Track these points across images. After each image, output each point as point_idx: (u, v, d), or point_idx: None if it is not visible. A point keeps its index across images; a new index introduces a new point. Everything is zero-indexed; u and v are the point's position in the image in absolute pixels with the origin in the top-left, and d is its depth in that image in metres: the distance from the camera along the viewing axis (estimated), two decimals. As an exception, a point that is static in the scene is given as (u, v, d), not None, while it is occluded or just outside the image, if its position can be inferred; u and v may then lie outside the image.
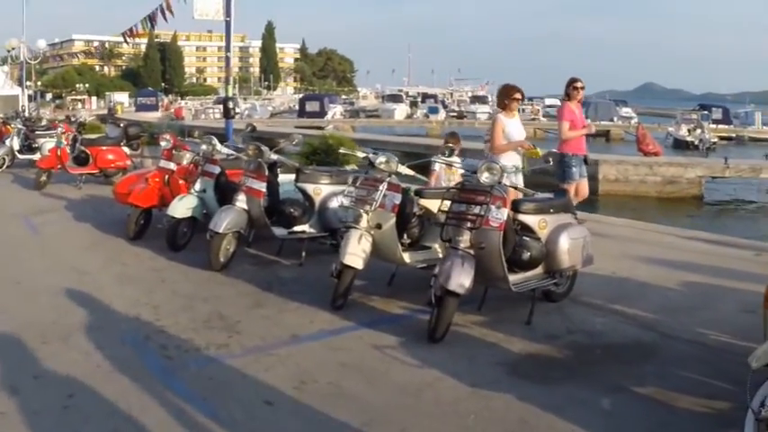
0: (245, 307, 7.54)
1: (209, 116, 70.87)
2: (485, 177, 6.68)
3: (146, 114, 70.63)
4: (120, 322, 6.95)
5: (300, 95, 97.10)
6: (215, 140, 9.98)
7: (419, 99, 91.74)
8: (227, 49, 16.29)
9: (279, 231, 9.11)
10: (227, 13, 15.98)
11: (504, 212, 6.64)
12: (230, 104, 15.93)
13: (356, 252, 7.25)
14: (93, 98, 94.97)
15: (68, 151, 16.36)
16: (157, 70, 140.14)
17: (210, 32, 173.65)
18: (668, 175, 27.79)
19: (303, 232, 9.33)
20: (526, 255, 7.09)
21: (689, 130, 55.27)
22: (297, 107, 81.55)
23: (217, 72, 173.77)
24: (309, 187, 9.37)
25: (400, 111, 76.32)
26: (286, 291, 8.15)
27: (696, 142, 52.87)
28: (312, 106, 70.01)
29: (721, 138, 60.24)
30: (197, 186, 9.77)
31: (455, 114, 79.96)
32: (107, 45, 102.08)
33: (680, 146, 52.74)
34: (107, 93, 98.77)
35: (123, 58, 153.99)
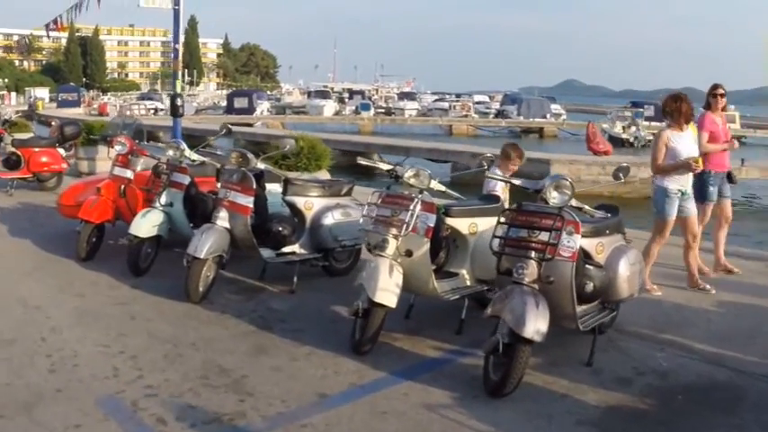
0: (247, 354, 6.13)
1: (134, 112, 68.33)
2: (554, 197, 5.58)
3: (67, 111, 67.93)
4: (93, 381, 5.46)
5: (228, 92, 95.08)
6: (183, 144, 8.53)
7: (345, 95, 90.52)
8: (176, 40, 14.71)
9: (266, 253, 7.74)
10: (176, 2, 14.39)
11: (578, 240, 5.56)
12: (179, 101, 14.32)
13: (388, 287, 5.98)
14: (13, 94, 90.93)
15: (-2, 153, 14.62)
16: (78, 65, 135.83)
17: (132, 26, 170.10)
18: (621, 174, 26.99)
19: (293, 253, 8.00)
20: (590, 286, 5.95)
21: (623, 128, 55.44)
22: (222, 103, 79.73)
23: (139, 67, 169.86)
24: (299, 201, 8.05)
25: (329, 107, 75.11)
26: (288, 329, 6.79)
27: (631, 140, 53.14)
28: (241, 102, 68.12)
29: (653, 135, 60.40)
30: (162, 199, 8.30)
31: (383, 111, 78.90)
32: (27, 39, 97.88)
33: (615, 143, 52.42)
34: (27, 88, 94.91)
35: (43, 52, 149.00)
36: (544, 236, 5.51)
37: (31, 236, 10.44)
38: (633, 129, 55.60)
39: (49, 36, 21.24)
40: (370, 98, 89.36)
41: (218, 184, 8.67)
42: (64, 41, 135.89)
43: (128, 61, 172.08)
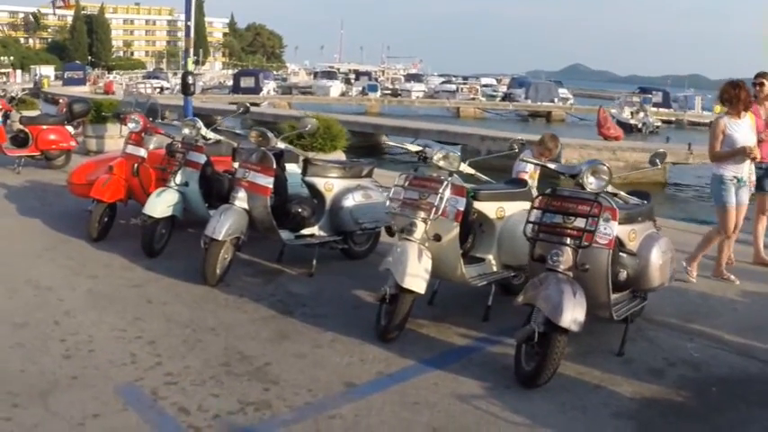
0: (269, 340, 5.91)
1: (140, 91, 67.98)
2: (591, 182, 5.33)
3: (73, 88, 67.48)
4: (111, 368, 5.24)
5: (234, 71, 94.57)
6: (199, 123, 8.27)
7: (351, 76, 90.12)
8: (188, 17, 14.44)
9: (285, 235, 7.50)
10: (187, -22, 14.12)
11: (614, 226, 5.35)
12: (189, 79, 14.06)
13: (417, 272, 5.76)
14: (18, 71, 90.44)
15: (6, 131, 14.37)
16: (84, 43, 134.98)
17: (138, 5, 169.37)
18: (632, 160, 26.97)
19: (312, 236, 7.77)
20: (623, 274, 5.76)
21: (632, 113, 55.12)
22: (228, 83, 79.36)
23: (144, 46, 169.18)
24: (319, 182, 7.82)
25: (335, 88, 74.80)
26: (310, 314, 6.56)
27: (639, 125, 52.76)
28: (247, 82, 67.74)
29: (662, 121, 60.27)
30: (178, 179, 8.07)
31: (389, 92, 78.48)
32: (33, 17, 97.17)
33: (623, 129, 52.37)
34: (32, 66, 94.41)
35: (49, 30, 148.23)
36: (580, 222, 5.30)
37: (40, 215, 10.22)
38: (641, 115, 55.38)
39: (55, 13, 20.96)
40: (376, 79, 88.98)
41: (235, 164, 8.44)
42: (69, 19, 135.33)
43: (133, 40, 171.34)
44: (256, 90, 65.40)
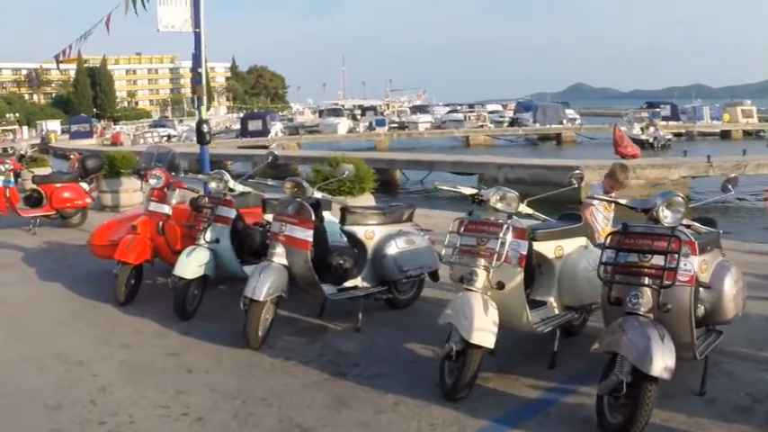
0: (326, 407, 5.43)
1: (148, 140, 68.03)
2: (666, 216, 4.95)
3: (80, 142, 67.67)
4: (161, 454, 4.75)
5: (239, 115, 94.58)
6: (227, 175, 7.84)
7: (357, 112, 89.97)
8: (199, 64, 13.97)
9: (328, 290, 7.03)
10: (197, 24, 13.71)
11: (695, 261, 5.00)
12: (204, 128, 13.62)
13: (485, 326, 5.31)
14: (24, 128, 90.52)
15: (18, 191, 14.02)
16: (88, 96, 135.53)
17: (140, 54, 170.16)
18: (652, 177, 26.54)
19: (356, 288, 7.31)
20: (701, 310, 5.40)
21: (642, 129, 54.67)
22: (234, 126, 79.23)
23: (148, 95, 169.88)
24: (360, 230, 7.38)
25: (343, 125, 74.46)
26: (365, 375, 6.09)
27: (651, 140, 52.27)
28: (255, 125, 67.43)
29: (672, 134, 59.88)
30: (208, 235, 7.62)
31: (396, 125, 78.19)
32: (36, 72, 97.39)
33: (633, 144, 52.15)
34: (38, 121, 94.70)
35: (52, 85, 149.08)
36: (658, 260, 4.89)
37: (61, 279, 9.80)
38: (652, 129, 54.96)
39: (59, 68, 20.68)
40: (381, 113, 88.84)
41: (267, 216, 8.02)
42: (72, 73, 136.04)
43: (137, 90, 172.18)
44: (264, 132, 65.05)
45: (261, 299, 6.45)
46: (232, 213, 7.63)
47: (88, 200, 14.66)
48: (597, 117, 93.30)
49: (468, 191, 6.08)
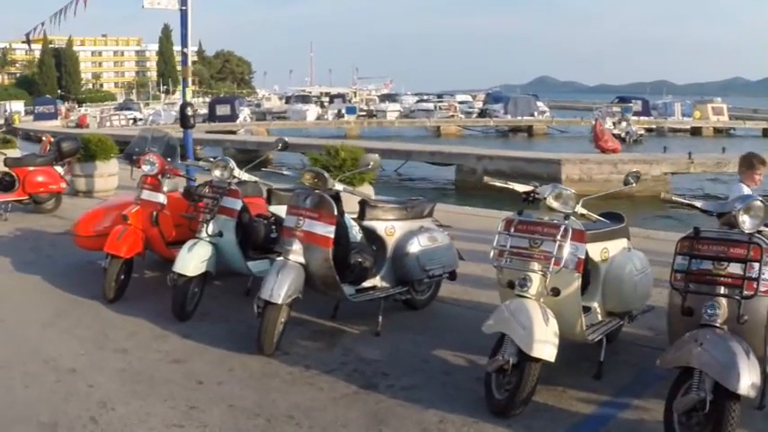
0: (364, 428, 4.81)
1: (114, 123, 66.74)
2: (745, 222, 4.54)
3: (45, 123, 66.15)
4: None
5: (206, 99, 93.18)
6: (232, 163, 7.15)
7: (324, 99, 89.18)
8: (184, 44, 13.25)
9: (347, 290, 6.40)
10: (183, 2, 13.00)
11: None
12: (189, 111, 12.90)
13: (545, 337, 4.80)
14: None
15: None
16: (53, 77, 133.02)
17: (105, 36, 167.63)
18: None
19: (374, 288, 6.69)
20: None
21: (614, 124, 54.66)
22: (202, 111, 78.00)
23: (113, 77, 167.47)
24: (380, 226, 6.77)
25: (312, 112, 73.80)
26: (398, 387, 5.49)
27: (623, 135, 52.21)
28: (223, 110, 66.31)
29: (644, 130, 59.99)
30: (210, 228, 6.93)
31: (365, 114, 77.51)
32: (1, 52, 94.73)
33: (605, 140, 52.07)
34: (1, 102, 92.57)
35: (17, 65, 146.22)
36: (734, 267, 4.48)
37: (40, 271, 9.04)
38: (624, 124, 55.24)
39: (30, 47, 19.78)
40: (349, 101, 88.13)
41: (275, 207, 7.38)
42: (37, 54, 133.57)
43: (102, 72, 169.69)
44: (233, 117, 64.01)
45: (279, 302, 5.81)
46: (238, 205, 6.97)
47: (63, 184, 13.86)
48: (565, 110, 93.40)
49: (521, 188, 5.50)
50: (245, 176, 7.21)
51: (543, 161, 26.91)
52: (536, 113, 70.70)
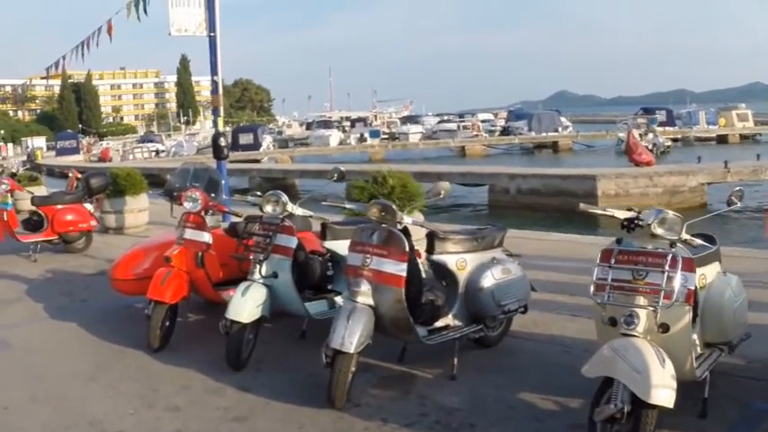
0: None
1: (137, 156, 66.67)
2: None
3: (67, 158, 66.28)
4: None
5: (228, 129, 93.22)
6: (284, 197, 6.55)
7: (345, 124, 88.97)
8: (214, 71, 12.75)
9: (421, 332, 5.79)
10: (212, 28, 12.52)
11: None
12: (222, 141, 12.38)
13: (663, 381, 4.23)
14: (9, 145, 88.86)
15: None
16: (73, 112, 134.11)
17: (124, 69, 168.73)
18: (670, 184, 25.65)
19: (447, 327, 6.07)
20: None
21: (641, 135, 53.71)
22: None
23: (133, 110, 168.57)
24: (450, 260, 6.16)
25: (335, 137, 73.45)
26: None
27: (650, 147, 51.28)
28: (246, 138, 66.04)
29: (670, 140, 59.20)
30: (264, 269, 6.35)
31: (387, 137, 77.13)
32: (19, 89, 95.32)
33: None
34: (23, 138, 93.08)
35: (37, 101, 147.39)
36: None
37: (76, 318, 8.51)
38: (650, 136, 54.28)
39: (48, 79, 19.42)
40: (370, 124, 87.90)
41: (331, 243, 6.80)
42: (57, 89, 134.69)
43: (121, 105, 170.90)
44: (256, 146, 63.63)
45: (351, 351, 5.22)
46: (293, 242, 6.38)
47: (93, 222, 13.36)
48: (586, 124, 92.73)
49: (621, 214, 4.88)
50: (299, 211, 6.62)
51: (578, 177, 26.27)
52: (560, 129, 69.99)
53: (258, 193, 7.06)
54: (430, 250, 6.09)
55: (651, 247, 4.62)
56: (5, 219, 12.47)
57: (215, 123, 12.89)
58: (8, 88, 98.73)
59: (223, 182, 8.52)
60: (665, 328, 4.48)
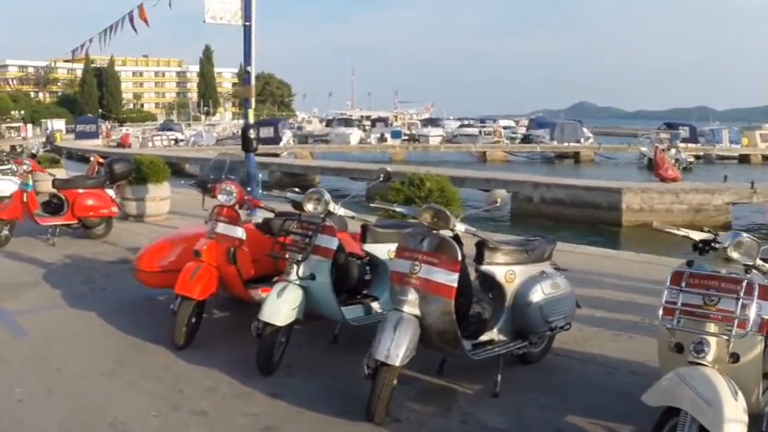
0: None
1: (156, 144, 66.58)
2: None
3: (86, 142, 66.30)
4: None
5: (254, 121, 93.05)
6: (327, 195, 6.21)
7: (365, 123, 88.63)
8: (247, 61, 12.41)
9: (466, 346, 5.45)
10: (247, 17, 12.18)
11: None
12: (251, 133, 12.04)
13: (736, 415, 3.91)
14: (29, 126, 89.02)
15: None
16: (95, 96, 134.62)
17: (147, 57, 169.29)
18: (695, 202, 25.20)
19: (492, 342, 5.72)
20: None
21: (663, 150, 53.14)
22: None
23: (154, 98, 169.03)
24: (499, 271, 5.80)
25: (355, 135, 73.10)
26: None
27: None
28: (266, 132, 65.35)
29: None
30: (301, 270, 6.01)
31: (407, 138, 76.75)
32: (43, 71, 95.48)
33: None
34: (43, 120, 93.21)
35: (59, 84, 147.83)
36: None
37: (95, 307, 8.23)
38: (673, 151, 53.51)
39: (72, 67, 19.06)
40: (390, 125, 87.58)
41: (370, 246, 6.46)
42: (79, 73, 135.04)
43: (143, 92, 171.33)
44: (276, 140, 63.24)
45: (397, 364, 4.88)
46: (334, 244, 6.04)
47: (114, 209, 13.11)
48: (607, 136, 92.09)
49: (697, 235, 4.53)
50: (341, 211, 6.28)
51: (603, 190, 25.83)
52: (582, 140, 69.49)
53: (296, 189, 6.73)
54: (479, 260, 5.73)
55: (725, 271, 4.29)
56: (25, 200, 12.21)
57: (245, 115, 12.53)
58: (30, 69, 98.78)
59: (260, 176, 8.20)
60: (735, 357, 4.17)
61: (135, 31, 15.02)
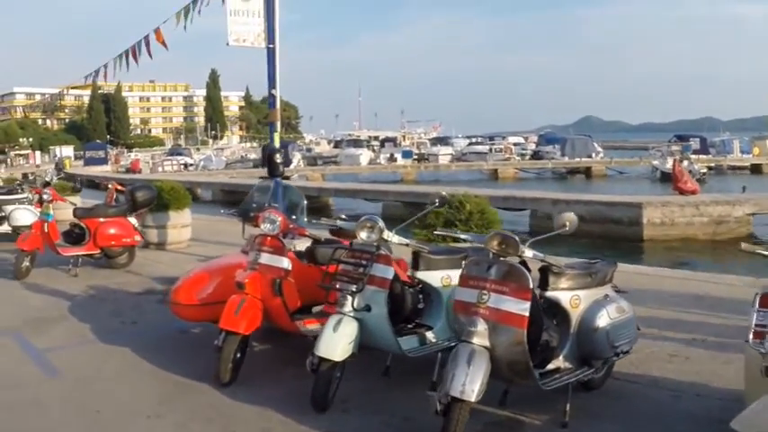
0: None
1: (166, 168, 66.61)
2: None
3: (95, 168, 66.51)
4: None
5: (255, 144, 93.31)
6: (381, 222, 5.93)
7: (374, 143, 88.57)
8: (272, 84, 12.21)
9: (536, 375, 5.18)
10: (270, 39, 12.00)
11: None
12: (278, 158, 11.81)
13: None
14: (37, 153, 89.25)
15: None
16: (102, 122, 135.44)
17: (153, 82, 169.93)
18: (716, 214, 24.90)
19: (559, 370, 5.45)
20: None
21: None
22: (250, 156, 77.75)
23: (161, 122, 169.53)
24: (564, 297, 5.53)
25: (365, 156, 73.04)
26: None
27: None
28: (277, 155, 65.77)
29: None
30: (356, 302, 5.73)
31: (416, 157, 76.62)
32: (50, 98, 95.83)
33: (668, 179, 50.46)
34: (51, 147, 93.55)
35: (66, 110, 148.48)
36: None
37: (128, 342, 7.91)
38: (686, 163, 53.15)
39: (94, 85, 18.97)
40: (399, 144, 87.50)
41: (423, 274, 6.19)
42: (86, 99, 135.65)
43: (150, 117, 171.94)
44: (286, 163, 62.83)
45: (473, 399, 4.60)
46: (390, 273, 5.76)
47: (138, 237, 12.86)
48: (615, 150, 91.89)
49: None
50: (395, 239, 5.99)
51: (623, 205, 25.54)
52: (593, 155, 69.31)
53: (343, 216, 6.47)
54: (543, 286, 5.47)
55: None
56: (46, 230, 11.98)
57: (271, 139, 12.37)
58: (38, 97, 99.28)
59: (304, 203, 7.94)
60: None
61: (150, 56, 14.88)
